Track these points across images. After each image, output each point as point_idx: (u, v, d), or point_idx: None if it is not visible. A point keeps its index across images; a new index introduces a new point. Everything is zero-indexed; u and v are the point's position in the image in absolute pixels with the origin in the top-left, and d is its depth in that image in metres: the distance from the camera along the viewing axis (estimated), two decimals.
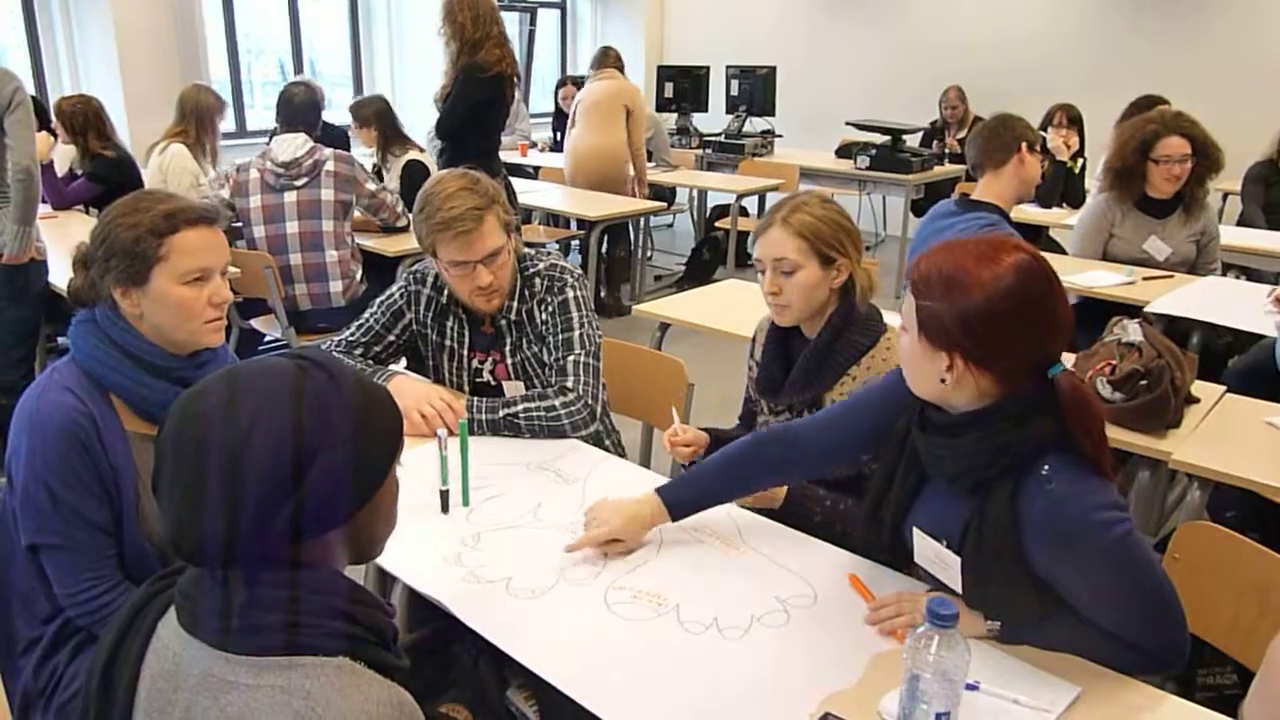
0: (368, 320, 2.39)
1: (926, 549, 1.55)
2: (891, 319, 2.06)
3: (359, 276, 4.06)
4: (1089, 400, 1.41)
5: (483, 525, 1.82)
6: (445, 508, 1.87)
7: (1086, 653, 1.42)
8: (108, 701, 1.08)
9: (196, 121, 4.68)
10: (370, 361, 2.36)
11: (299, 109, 4.03)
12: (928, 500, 1.57)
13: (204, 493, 0.96)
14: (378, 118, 4.88)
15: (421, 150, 5.03)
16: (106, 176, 4.54)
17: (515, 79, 4.61)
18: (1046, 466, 1.37)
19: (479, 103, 4.44)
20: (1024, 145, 2.95)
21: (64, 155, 4.68)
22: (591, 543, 1.71)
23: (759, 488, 1.79)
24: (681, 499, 1.74)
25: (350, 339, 2.38)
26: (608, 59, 6.23)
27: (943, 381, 1.42)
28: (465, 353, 2.36)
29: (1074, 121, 5.34)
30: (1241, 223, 5.06)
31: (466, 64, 4.41)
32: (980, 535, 1.42)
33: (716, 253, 6.64)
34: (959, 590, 1.49)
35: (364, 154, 4.93)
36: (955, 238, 3.01)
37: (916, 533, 1.56)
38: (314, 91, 4.17)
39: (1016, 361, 1.40)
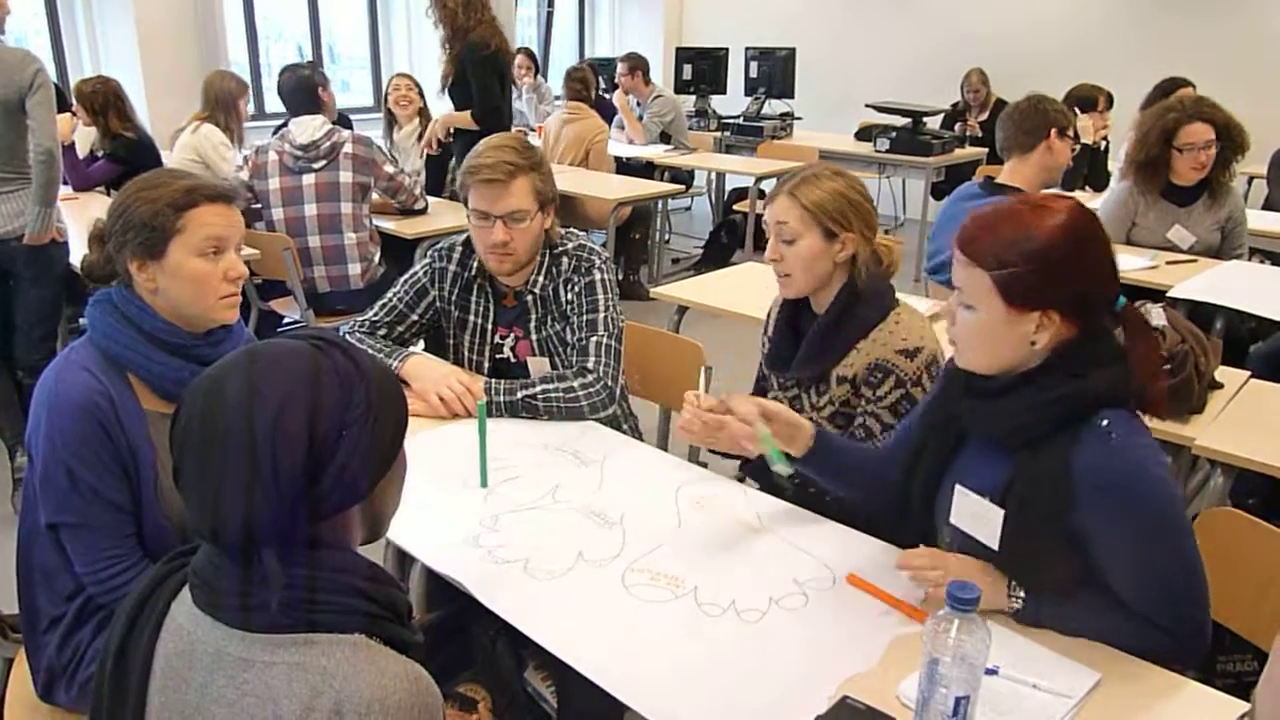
0: (391, 299, 2.39)
1: (967, 506, 1.54)
2: (907, 300, 2.05)
3: (377, 259, 4.07)
4: (1149, 329, 1.45)
5: (501, 506, 1.83)
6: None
7: (1107, 636, 1.41)
8: (122, 682, 1.08)
9: (221, 107, 4.70)
10: (392, 342, 2.36)
11: (288, 96, 4.01)
12: (968, 461, 1.57)
13: (228, 478, 0.97)
14: (421, 94, 4.96)
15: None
16: (127, 157, 4.56)
17: (511, 58, 4.64)
18: (1105, 420, 1.39)
19: (494, 74, 4.49)
20: (1053, 131, 2.90)
21: (85, 137, 4.71)
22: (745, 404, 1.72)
23: (846, 479, 1.79)
24: (823, 445, 1.74)
25: (374, 319, 2.38)
26: (573, 86, 6.17)
27: (1033, 343, 1.43)
28: (489, 327, 2.36)
29: (1109, 104, 5.28)
30: (1267, 207, 5.00)
31: (467, 46, 4.45)
32: (1030, 488, 1.43)
33: (734, 236, 6.61)
34: (994, 547, 1.48)
35: (377, 136, 4.94)
36: None
37: (958, 490, 1.56)
38: (298, 73, 4.10)
39: (1099, 296, 1.43)
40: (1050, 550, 1.43)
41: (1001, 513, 1.47)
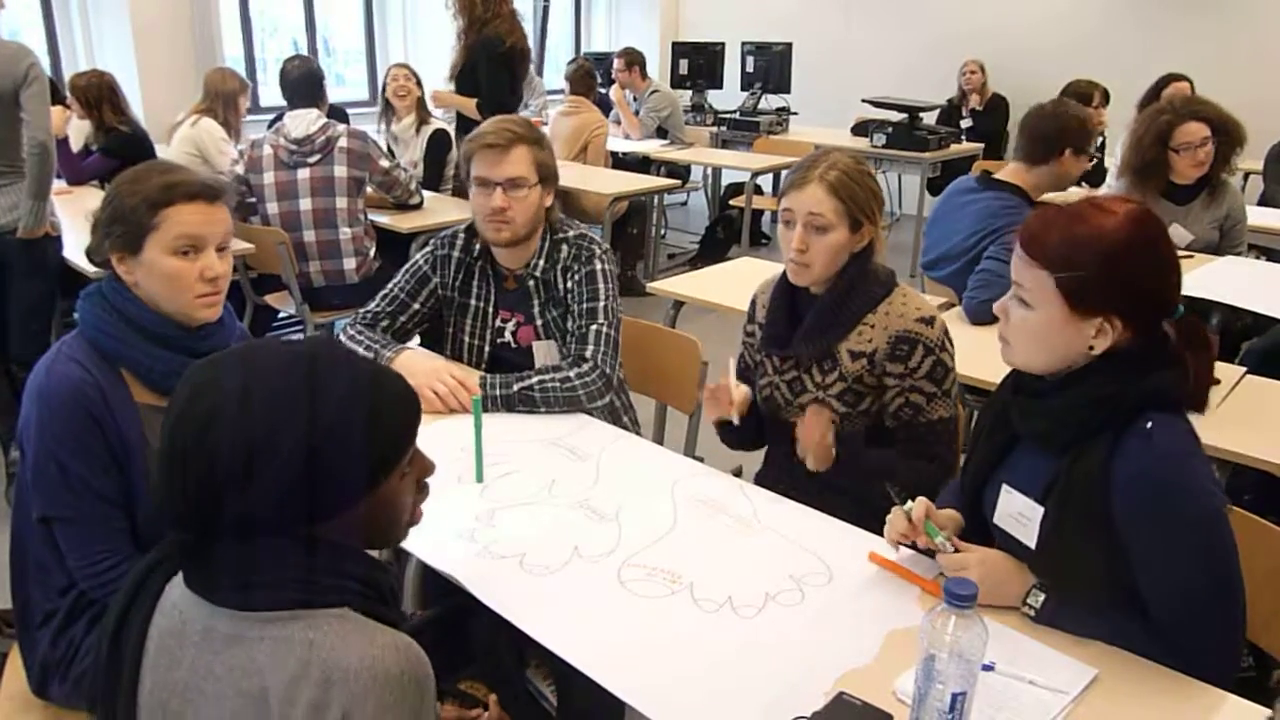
0: (392, 290, 2.39)
1: (1010, 506, 1.54)
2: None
3: (373, 254, 4.05)
4: (1208, 340, 1.42)
5: (497, 501, 1.82)
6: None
7: (1127, 649, 1.40)
8: (117, 659, 1.09)
9: (221, 103, 4.69)
10: (393, 334, 2.36)
11: (293, 84, 3.99)
12: (1017, 461, 1.57)
13: (179, 470, 0.98)
14: (419, 84, 4.96)
15: (446, 121, 5.04)
16: (121, 151, 4.54)
17: (526, 54, 4.66)
18: (1150, 423, 1.36)
19: (504, 70, 4.49)
20: (1068, 151, 2.85)
21: (79, 131, 4.69)
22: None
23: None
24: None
25: (375, 311, 2.38)
26: (578, 81, 6.13)
27: (1091, 348, 1.41)
28: (490, 310, 2.36)
29: (1105, 100, 5.27)
30: (1263, 202, 4.99)
31: (481, 39, 4.45)
32: (1069, 489, 1.42)
33: (730, 231, 6.61)
34: (1033, 548, 1.48)
35: (374, 130, 4.92)
36: (975, 215, 2.98)
37: (1004, 489, 1.56)
38: (309, 64, 4.11)
39: (1160, 305, 1.41)
40: (1084, 555, 1.41)
41: (1041, 511, 1.47)
